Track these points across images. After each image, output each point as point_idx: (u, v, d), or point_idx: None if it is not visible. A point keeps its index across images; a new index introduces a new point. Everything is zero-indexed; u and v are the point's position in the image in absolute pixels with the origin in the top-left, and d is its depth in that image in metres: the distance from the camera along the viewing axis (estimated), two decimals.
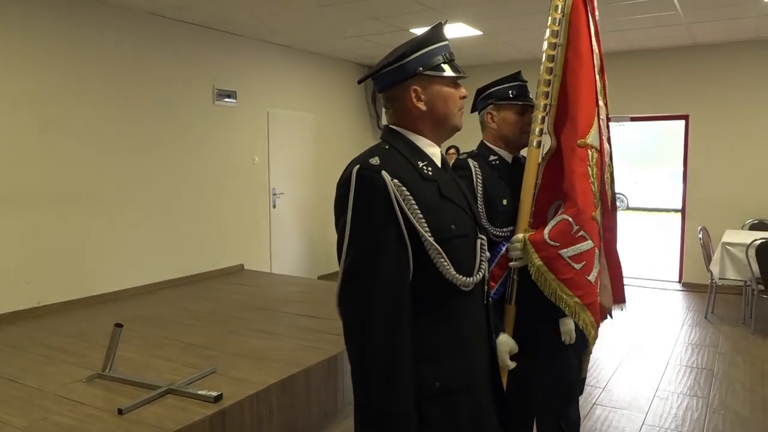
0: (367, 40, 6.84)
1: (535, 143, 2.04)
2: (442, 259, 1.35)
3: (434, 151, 1.49)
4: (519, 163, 2.24)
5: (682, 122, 7.30)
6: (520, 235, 2.01)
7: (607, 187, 2.08)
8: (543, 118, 2.05)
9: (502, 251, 2.10)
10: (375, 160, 1.36)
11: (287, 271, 7.15)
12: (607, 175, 2.08)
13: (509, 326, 2.03)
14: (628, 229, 12.60)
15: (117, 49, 5.40)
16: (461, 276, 1.38)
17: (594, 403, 3.88)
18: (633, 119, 7.66)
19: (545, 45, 2.06)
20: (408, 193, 1.33)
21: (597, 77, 2.06)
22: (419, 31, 6.19)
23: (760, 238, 5.15)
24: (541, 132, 2.04)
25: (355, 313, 1.33)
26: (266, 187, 7.07)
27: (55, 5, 4.91)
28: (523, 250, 1.98)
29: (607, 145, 2.09)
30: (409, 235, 1.33)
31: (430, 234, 1.34)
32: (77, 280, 5.12)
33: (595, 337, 2.08)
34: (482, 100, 2.28)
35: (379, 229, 1.32)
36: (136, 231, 5.60)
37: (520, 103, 2.21)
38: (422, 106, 1.44)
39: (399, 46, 1.49)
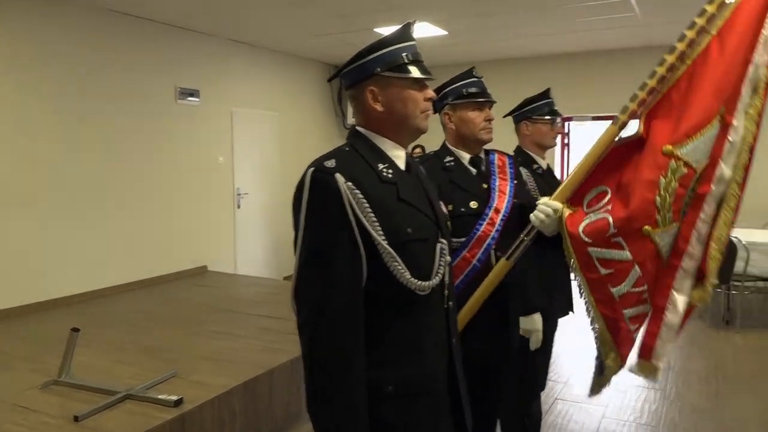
0: (333, 39, 6.81)
1: (619, 123, 1.77)
2: (396, 264, 1.34)
3: (398, 153, 1.47)
4: (479, 163, 2.19)
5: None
6: (558, 204, 1.81)
7: (700, 223, 1.65)
8: (642, 101, 1.75)
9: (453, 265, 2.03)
10: (330, 163, 1.35)
11: (252, 272, 7.09)
12: (705, 209, 1.66)
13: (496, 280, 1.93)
14: None
15: (76, 47, 5.27)
16: (417, 280, 1.36)
17: (555, 398, 3.94)
18: (594, 118, 7.81)
19: (689, 24, 1.71)
20: (362, 196, 1.32)
21: (744, 91, 1.63)
22: (385, 30, 6.19)
23: None
24: (633, 114, 1.75)
25: (308, 311, 1.33)
26: (231, 188, 6.99)
27: (13, 1, 4.77)
28: (553, 222, 1.81)
29: (727, 172, 1.64)
30: (364, 237, 1.33)
31: (384, 237, 1.33)
32: (33, 284, 4.98)
33: (614, 366, 1.83)
34: (438, 100, 2.25)
35: (331, 231, 1.32)
36: (95, 232, 5.47)
37: (476, 100, 2.15)
38: (379, 107, 1.42)
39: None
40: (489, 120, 2.14)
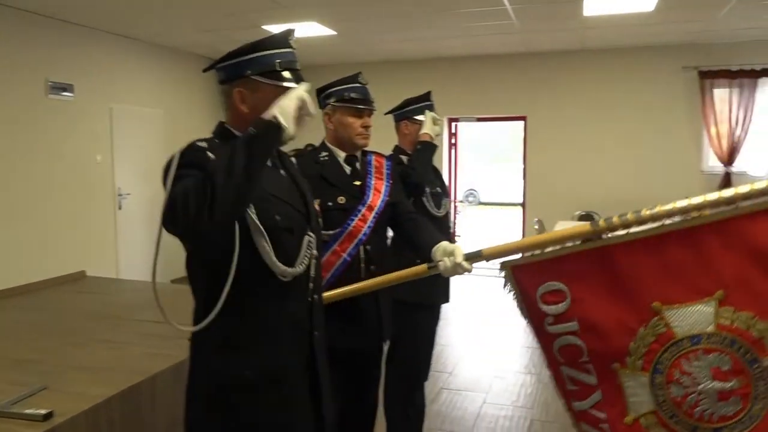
0: (218, 35, 6.65)
1: (596, 228, 1.64)
2: (264, 242, 1.38)
3: None
4: (355, 162, 2.24)
5: (522, 123, 7.95)
6: (468, 267, 1.81)
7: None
8: (628, 225, 1.62)
9: (324, 259, 2.05)
10: (203, 143, 1.39)
11: (136, 276, 6.75)
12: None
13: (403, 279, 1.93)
14: (479, 221, 13.44)
15: None
16: (281, 264, 1.41)
17: (441, 388, 4.12)
18: (478, 119, 8.19)
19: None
20: None
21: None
22: (273, 28, 6.13)
23: None
24: (613, 229, 1.63)
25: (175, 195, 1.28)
26: (111, 188, 6.63)
27: None
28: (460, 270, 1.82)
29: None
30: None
31: (255, 214, 1.37)
32: None
33: None
34: (321, 100, 2.29)
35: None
36: None
37: (356, 106, 2.20)
38: (245, 108, 1.46)
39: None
40: (366, 127, 2.20)
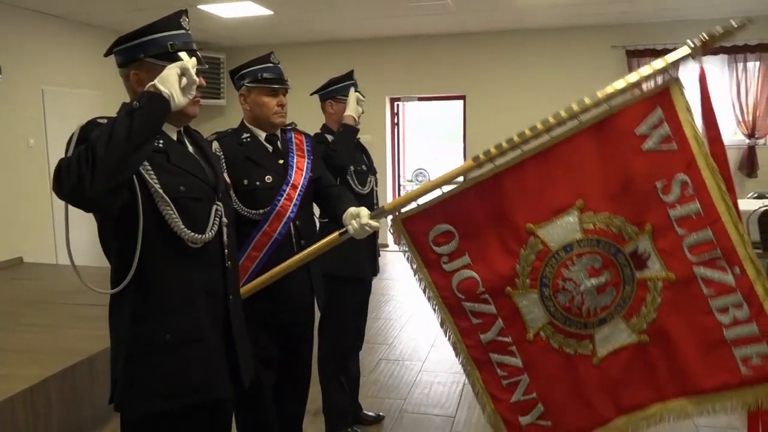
0: (154, 15, 6.46)
1: (478, 161, 1.88)
2: (170, 211, 1.47)
3: (169, 128, 1.58)
4: (275, 141, 2.32)
5: (461, 102, 8.13)
6: (376, 225, 2.00)
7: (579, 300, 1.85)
8: (504, 152, 1.86)
9: (256, 239, 2.16)
10: (103, 120, 1.47)
11: (77, 261, 6.65)
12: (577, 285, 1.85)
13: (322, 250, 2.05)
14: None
15: None
16: (190, 231, 1.50)
17: (380, 359, 4.28)
18: (420, 99, 8.33)
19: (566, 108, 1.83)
20: None
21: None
22: (208, 8, 6.09)
23: None
24: (491, 159, 1.87)
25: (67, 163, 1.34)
26: (45, 172, 6.47)
27: None
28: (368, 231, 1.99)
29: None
30: (140, 189, 1.44)
31: (159, 186, 1.46)
32: None
33: (493, 420, 1.99)
34: (236, 81, 2.34)
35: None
36: None
37: (271, 86, 2.26)
38: (142, 90, 1.49)
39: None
40: (281, 105, 2.28)
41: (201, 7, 6.04)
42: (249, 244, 2.16)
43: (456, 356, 2.03)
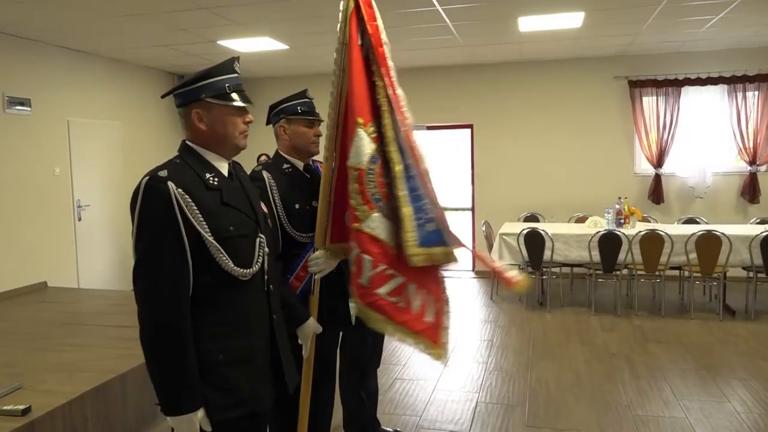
0: (174, 50, 6.84)
1: (324, 159, 2.33)
2: (222, 255, 1.65)
3: (221, 164, 1.78)
4: (310, 170, 2.60)
5: (468, 130, 8.37)
6: (320, 252, 2.32)
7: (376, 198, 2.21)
8: (333, 137, 2.31)
9: (305, 259, 2.41)
10: (163, 173, 1.64)
11: (97, 285, 6.86)
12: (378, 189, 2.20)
13: (314, 312, 2.36)
14: None
15: None
16: (239, 268, 1.69)
17: (395, 378, 4.43)
18: (429, 128, 8.58)
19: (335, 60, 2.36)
20: (191, 201, 1.62)
21: (371, 99, 2.29)
22: (227, 43, 6.38)
23: (527, 228, 6.17)
24: (330, 149, 2.32)
25: (144, 293, 1.61)
26: (69, 200, 6.72)
27: None
28: (324, 261, 2.30)
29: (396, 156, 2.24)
30: (194, 235, 1.62)
31: (210, 234, 1.64)
32: None
33: (440, 354, 2.27)
34: (275, 115, 2.59)
35: (161, 229, 1.60)
36: None
37: (308, 118, 2.55)
38: (203, 126, 1.72)
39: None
40: (318, 135, 2.56)
41: (221, 42, 6.33)
42: (298, 264, 2.38)
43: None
